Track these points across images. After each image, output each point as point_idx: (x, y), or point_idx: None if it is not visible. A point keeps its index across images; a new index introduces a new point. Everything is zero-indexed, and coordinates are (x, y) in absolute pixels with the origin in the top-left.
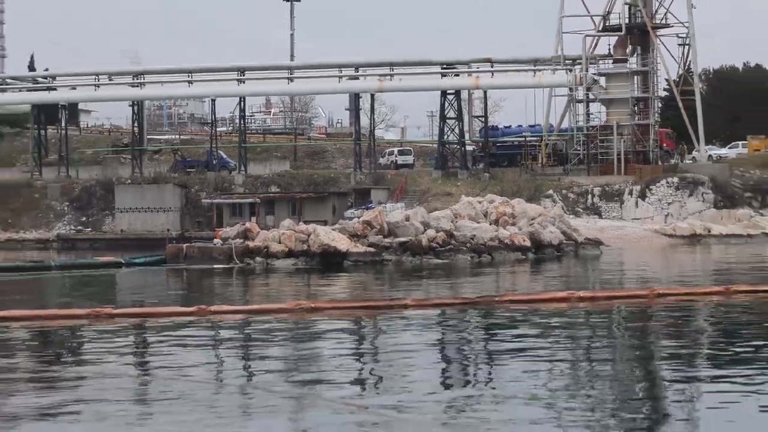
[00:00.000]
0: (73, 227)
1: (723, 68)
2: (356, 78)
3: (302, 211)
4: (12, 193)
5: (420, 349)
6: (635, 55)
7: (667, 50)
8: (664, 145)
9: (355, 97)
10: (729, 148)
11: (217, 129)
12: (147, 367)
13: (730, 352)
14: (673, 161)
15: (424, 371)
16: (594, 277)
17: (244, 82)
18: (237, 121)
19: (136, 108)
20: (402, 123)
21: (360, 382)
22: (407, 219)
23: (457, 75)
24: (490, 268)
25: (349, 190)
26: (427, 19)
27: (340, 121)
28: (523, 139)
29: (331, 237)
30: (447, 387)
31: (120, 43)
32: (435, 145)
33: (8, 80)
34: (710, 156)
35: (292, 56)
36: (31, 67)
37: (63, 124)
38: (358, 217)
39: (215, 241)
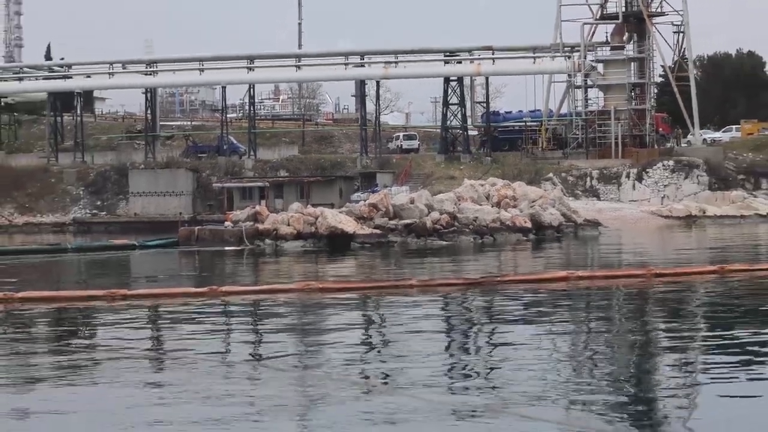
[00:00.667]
0: (88, 211)
1: (717, 55)
2: (362, 65)
3: (310, 194)
4: (29, 178)
5: (425, 328)
6: (632, 42)
7: (663, 37)
8: (660, 129)
9: (361, 84)
10: (723, 131)
11: (228, 115)
12: (160, 346)
13: (724, 330)
14: (668, 145)
15: (429, 349)
16: (593, 257)
17: (253, 70)
18: (247, 107)
19: (149, 95)
20: (406, 109)
21: (367, 360)
22: (412, 202)
23: (460, 62)
24: (493, 249)
25: (356, 174)
26: (427, 17)
27: (346, 107)
28: (524, 124)
29: (338, 219)
30: (451, 364)
31: (125, 43)
32: (438, 130)
33: (25, 69)
34: (705, 140)
35: (299, 45)
36: (48, 56)
37: (78, 112)
38: (365, 200)
39: (226, 223)
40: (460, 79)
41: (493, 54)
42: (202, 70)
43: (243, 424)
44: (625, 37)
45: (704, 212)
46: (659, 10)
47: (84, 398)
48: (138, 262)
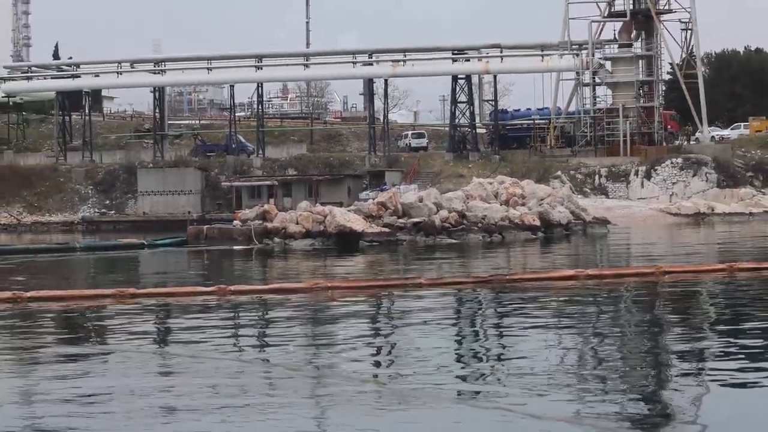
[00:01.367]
0: (97, 210)
1: (725, 52)
2: (370, 64)
3: (319, 192)
4: (38, 177)
5: (434, 326)
6: (640, 39)
7: (671, 35)
8: (669, 126)
9: (369, 82)
10: (731, 129)
11: (236, 114)
12: (168, 345)
13: (733, 327)
14: (677, 142)
15: (438, 347)
16: (601, 256)
17: (261, 69)
18: (255, 106)
19: (157, 94)
20: (415, 107)
21: (376, 358)
22: (421, 200)
23: (468, 60)
24: (501, 247)
25: (364, 173)
26: (435, 15)
27: (354, 105)
28: (532, 121)
29: (347, 218)
30: (460, 362)
31: (123, 42)
32: (447, 129)
33: (33, 68)
34: (713, 137)
35: (307, 43)
36: (56, 56)
37: (87, 111)
38: (373, 199)
39: (235, 222)
40: (468, 77)
41: (501, 52)
42: (210, 69)
43: (255, 424)
44: (632, 35)
45: (713, 210)
46: (667, 7)
47: (92, 398)
48: (147, 261)
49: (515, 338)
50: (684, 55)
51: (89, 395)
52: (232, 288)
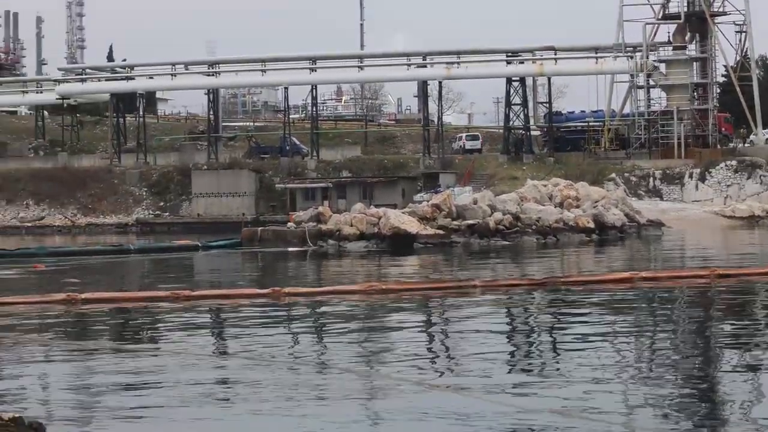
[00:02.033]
0: (151, 212)
1: None
2: (424, 66)
3: (373, 195)
4: (92, 179)
5: (488, 329)
6: (694, 42)
7: (725, 37)
8: (723, 129)
9: (424, 85)
10: None
11: (290, 116)
12: (223, 347)
13: None
14: (731, 145)
15: (492, 351)
16: (656, 258)
17: (315, 71)
18: (309, 108)
19: (211, 96)
20: (469, 109)
21: (430, 361)
22: (475, 202)
23: (522, 62)
24: (556, 249)
25: (418, 175)
26: (488, 17)
27: (408, 107)
28: (587, 124)
29: (401, 220)
30: (514, 366)
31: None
32: (501, 131)
33: (88, 70)
34: (767, 139)
35: (361, 45)
36: (110, 58)
37: (141, 112)
38: (428, 201)
39: (289, 224)
40: (522, 80)
41: (555, 54)
42: (264, 70)
43: (311, 422)
44: (687, 37)
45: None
46: (721, 9)
47: (148, 400)
48: (201, 263)
49: (569, 340)
50: (738, 58)
51: (140, 397)
52: (287, 290)
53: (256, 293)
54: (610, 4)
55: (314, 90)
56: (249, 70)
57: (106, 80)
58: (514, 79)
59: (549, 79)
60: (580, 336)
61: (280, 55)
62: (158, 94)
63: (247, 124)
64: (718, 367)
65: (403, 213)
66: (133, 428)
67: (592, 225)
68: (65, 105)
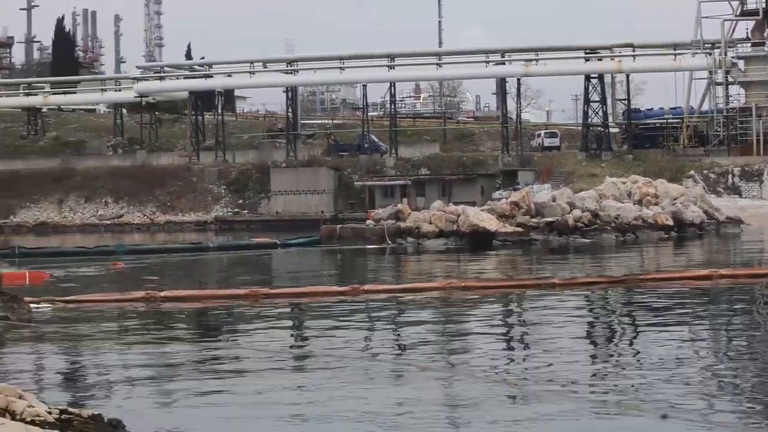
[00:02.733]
0: (229, 209)
1: None
2: (503, 63)
3: (452, 192)
4: (171, 177)
5: (567, 327)
6: None
7: None
8: None
9: (502, 82)
10: None
11: (369, 113)
12: (302, 344)
13: None
14: None
15: (570, 348)
16: (735, 256)
17: (394, 68)
18: (388, 105)
19: (290, 94)
20: (547, 106)
21: (508, 358)
22: (554, 199)
23: (600, 59)
24: (634, 247)
25: (497, 172)
26: (566, 14)
27: (487, 105)
28: (665, 121)
29: (480, 217)
30: (592, 363)
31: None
32: (579, 128)
33: (166, 68)
34: None
35: (440, 43)
36: (188, 56)
37: (219, 110)
38: (506, 198)
39: (368, 222)
40: (600, 77)
41: (633, 51)
42: (342, 68)
43: (383, 421)
44: (765, 33)
45: None
46: None
47: (227, 398)
48: (280, 261)
49: (647, 338)
50: None
51: (220, 395)
52: (366, 287)
53: (334, 291)
54: (688, 1)
55: (393, 87)
56: (327, 68)
57: (184, 78)
58: (592, 76)
59: (627, 76)
60: (660, 334)
61: (358, 53)
62: (237, 92)
63: (326, 121)
64: None
65: (481, 210)
66: (212, 427)
67: (670, 222)
68: (144, 103)
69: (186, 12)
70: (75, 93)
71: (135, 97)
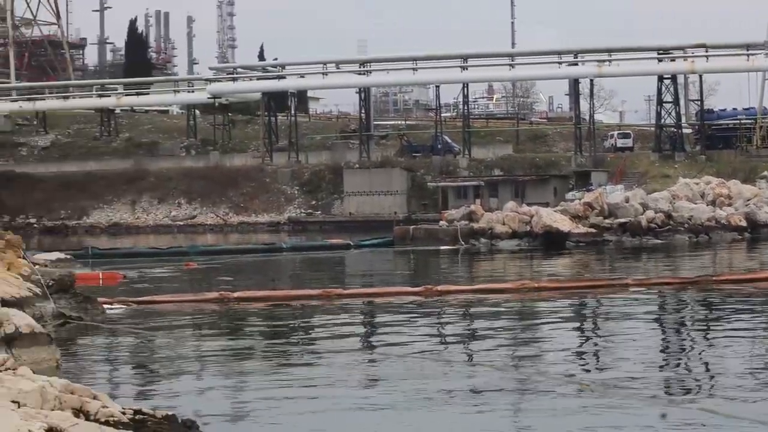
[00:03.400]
0: (302, 210)
1: None
2: (575, 64)
3: (525, 193)
4: (244, 178)
5: (640, 328)
6: None
7: None
8: None
9: (575, 83)
10: None
11: (442, 114)
12: (376, 344)
13: None
14: None
15: (643, 349)
16: None
17: (467, 69)
18: (461, 106)
19: (362, 95)
20: (620, 107)
21: (582, 359)
22: (627, 200)
23: (673, 60)
24: (708, 248)
25: (570, 173)
26: (638, 14)
27: (560, 105)
28: (738, 122)
29: (553, 218)
30: (664, 365)
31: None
32: (652, 129)
33: (239, 69)
34: None
35: (512, 43)
36: (261, 57)
37: (292, 111)
38: (579, 199)
39: (441, 222)
40: (673, 77)
41: (706, 51)
42: (415, 69)
43: (456, 423)
44: None
45: None
46: None
47: (299, 401)
48: (353, 262)
49: (720, 340)
50: None
51: (294, 397)
52: (439, 288)
53: (408, 291)
54: (761, 1)
55: (466, 88)
56: (400, 69)
57: (257, 79)
58: (665, 76)
59: (700, 76)
60: (733, 335)
61: (431, 54)
62: (309, 93)
63: (399, 122)
64: None
65: (555, 211)
66: (286, 428)
67: (744, 223)
68: (216, 104)
69: (259, 13)
70: (148, 94)
71: (208, 98)
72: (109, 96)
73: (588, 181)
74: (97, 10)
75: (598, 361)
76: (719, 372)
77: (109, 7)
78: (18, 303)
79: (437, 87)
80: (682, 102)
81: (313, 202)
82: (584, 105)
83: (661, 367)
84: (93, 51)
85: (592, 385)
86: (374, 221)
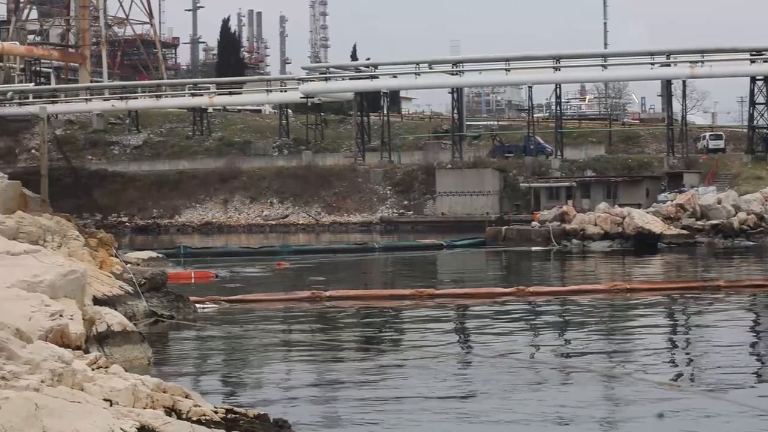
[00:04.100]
0: (395, 210)
1: None
2: (668, 65)
3: (617, 194)
4: (336, 177)
5: (731, 330)
6: None
7: None
8: None
9: (667, 84)
10: None
11: (534, 115)
12: (466, 345)
13: None
14: None
15: (735, 351)
16: None
17: (559, 70)
18: (553, 107)
19: (455, 95)
20: (712, 108)
21: (673, 361)
22: (719, 202)
23: (766, 61)
24: None
25: (662, 174)
26: (730, 14)
27: (653, 106)
28: None
29: (645, 220)
30: (755, 368)
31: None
32: (745, 130)
33: (332, 69)
34: None
35: (605, 44)
36: (354, 56)
37: (385, 111)
38: (671, 201)
39: (533, 223)
40: (766, 79)
41: None
42: (508, 69)
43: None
44: None
45: None
46: None
47: (390, 402)
48: (445, 262)
49: None
50: None
51: (385, 398)
52: (531, 289)
53: (500, 292)
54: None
55: (558, 89)
56: (493, 69)
57: (349, 79)
58: (758, 77)
59: None
60: None
61: (523, 54)
62: (402, 93)
63: (491, 122)
64: None
65: (647, 213)
66: (376, 429)
67: None
68: (309, 104)
69: (352, 12)
70: (240, 93)
71: (300, 97)
72: (202, 95)
73: (680, 183)
74: (189, 10)
75: (689, 363)
76: None
77: (202, 7)
78: (110, 301)
79: (530, 87)
80: None
81: (405, 202)
82: (677, 106)
83: (752, 370)
84: (185, 50)
85: (683, 387)
86: (466, 221)
